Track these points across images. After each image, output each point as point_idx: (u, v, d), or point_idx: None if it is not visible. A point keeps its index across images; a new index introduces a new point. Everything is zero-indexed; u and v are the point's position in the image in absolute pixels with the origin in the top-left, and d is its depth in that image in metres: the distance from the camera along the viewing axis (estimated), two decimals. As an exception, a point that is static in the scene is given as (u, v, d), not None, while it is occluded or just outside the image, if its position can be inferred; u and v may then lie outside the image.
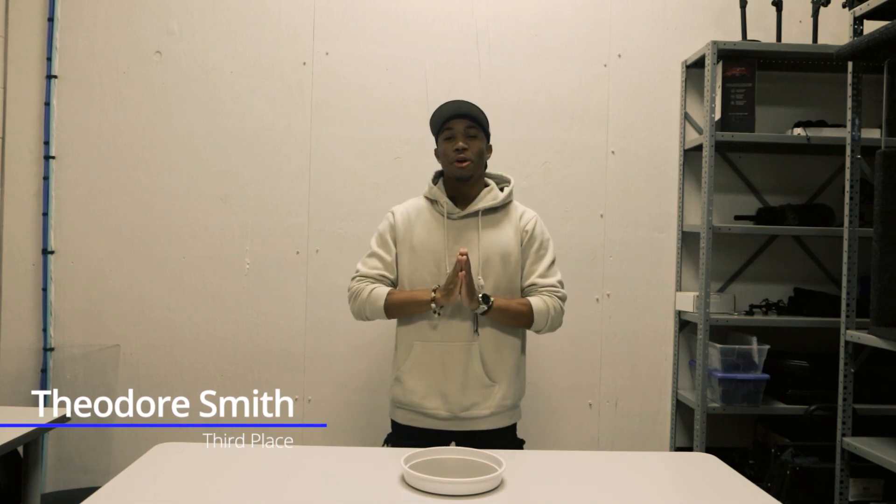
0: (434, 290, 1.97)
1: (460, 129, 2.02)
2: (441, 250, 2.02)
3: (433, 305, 1.96)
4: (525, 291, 2.09)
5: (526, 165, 2.91)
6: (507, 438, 2.08)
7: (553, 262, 2.11)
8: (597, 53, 2.94)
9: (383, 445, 2.14)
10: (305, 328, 2.89)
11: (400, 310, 2.03)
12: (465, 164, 2.00)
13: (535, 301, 2.04)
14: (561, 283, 2.09)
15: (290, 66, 2.88)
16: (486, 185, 2.11)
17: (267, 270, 2.89)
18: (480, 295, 1.95)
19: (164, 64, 2.87)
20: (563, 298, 2.08)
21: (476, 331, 2.01)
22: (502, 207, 2.09)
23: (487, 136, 2.10)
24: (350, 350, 2.88)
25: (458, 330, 2.00)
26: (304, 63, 2.89)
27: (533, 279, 2.07)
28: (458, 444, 2.04)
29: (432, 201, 2.10)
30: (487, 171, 2.16)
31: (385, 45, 2.90)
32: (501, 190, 2.11)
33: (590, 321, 2.93)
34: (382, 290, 2.03)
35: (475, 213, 2.05)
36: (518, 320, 2.03)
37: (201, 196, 2.88)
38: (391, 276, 2.08)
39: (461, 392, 1.99)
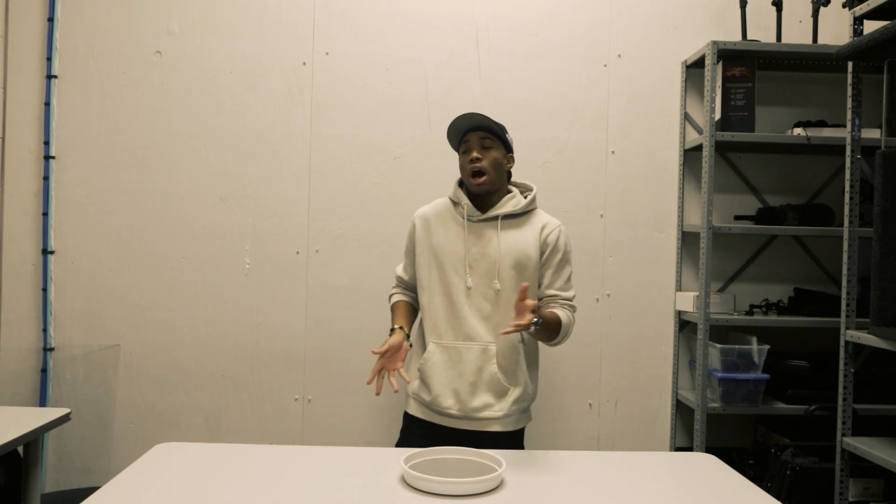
0: (393, 330, 2.05)
1: (474, 141, 2.05)
2: (460, 251, 2.04)
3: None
4: (543, 301, 2.06)
5: (526, 165, 2.90)
6: (514, 442, 2.08)
7: (571, 276, 2.09)
8: (597, 53, 2.94)
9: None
10: (305, 328, 2.89)
11: None
12: (481, 179, 2.02)
13: (564, 315, 2.00)
14: (574, 298, 2.09)
15: (290, 66, 2.89)
16: (510, 191, 2.12)
17: (267, 270, 2.89)
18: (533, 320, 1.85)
19: (164, 64, 2.87)
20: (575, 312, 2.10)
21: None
22: (524, 214, 2.09)
23: (507, 145, 2.10)
24: (350, 350, 2.88)
25: (475, 331, 2.01)
26: (304, 63, 2.89)
27: (554, 290, 2.05)
28: (464, 445, 2.05)
29: (455, 203, 2.11)
30: (511, 179, 2.18)
31: (385, 45, 2.90)
32: (525, 197, 2.12)
33: (590, 321, 2.93)
34: (394, 299, 2.22)
35: (495, 218, 2.05)
36: (552, 333, 1.97)
37: (201, 196, 2.88)
38: (406, 279, 2.21)
39: (472, 393, 2.01)
